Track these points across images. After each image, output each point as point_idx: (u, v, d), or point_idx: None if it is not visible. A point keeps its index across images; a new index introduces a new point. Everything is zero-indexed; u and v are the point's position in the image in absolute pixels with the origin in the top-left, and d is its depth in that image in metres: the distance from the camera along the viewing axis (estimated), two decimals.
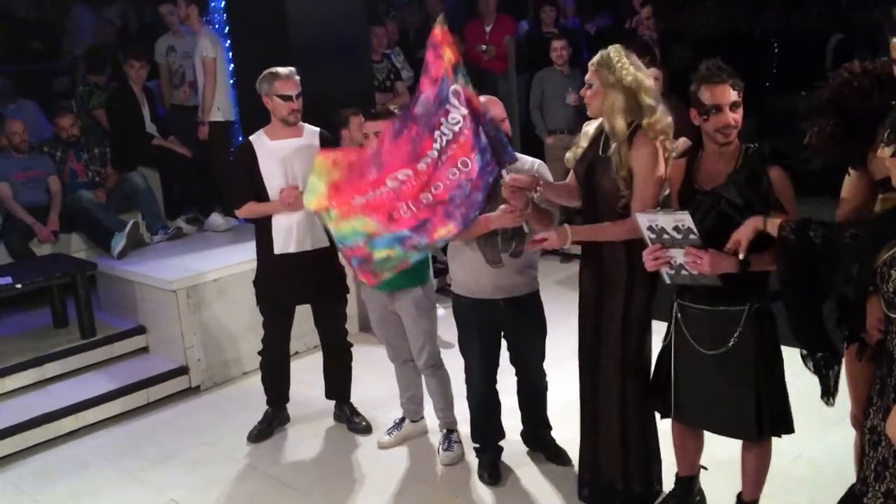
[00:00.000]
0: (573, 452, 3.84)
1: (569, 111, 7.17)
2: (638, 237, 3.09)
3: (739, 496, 3.34)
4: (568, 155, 3.48)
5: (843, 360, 2.81)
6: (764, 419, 3.08)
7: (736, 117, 2.99)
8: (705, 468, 3.48)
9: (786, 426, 3.15)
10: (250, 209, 4.38)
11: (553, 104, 7.34)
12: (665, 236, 2.97)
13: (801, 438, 3.60)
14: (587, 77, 3.26)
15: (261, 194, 4.31)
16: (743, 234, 2.81)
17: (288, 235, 4.32)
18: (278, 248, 4.34)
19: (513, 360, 3.98)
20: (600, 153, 3.29)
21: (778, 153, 2.99)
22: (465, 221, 3.33)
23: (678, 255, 2.98)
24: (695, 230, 2.89)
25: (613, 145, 3.21)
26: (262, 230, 4.39)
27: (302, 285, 4.41)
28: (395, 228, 3.36)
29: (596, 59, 3.24)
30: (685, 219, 2.88)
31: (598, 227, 3.29)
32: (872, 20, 5.82)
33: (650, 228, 2.99)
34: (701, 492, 3.52)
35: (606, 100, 3.20)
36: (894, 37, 2.56)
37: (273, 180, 4.29)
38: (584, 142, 3.43)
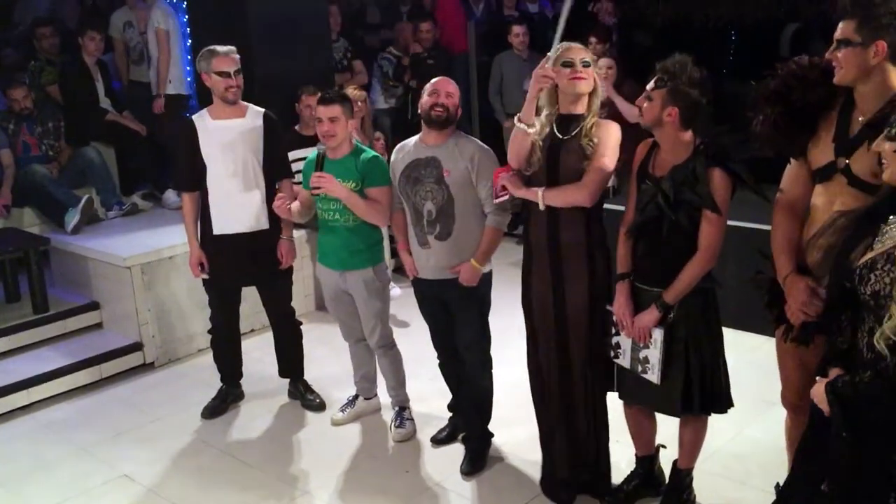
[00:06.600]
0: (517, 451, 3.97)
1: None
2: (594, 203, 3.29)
3: (675, 463, 3.46)
4: (533, 135, 3.43)
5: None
6: (692, 398, 3.18)
7: (644, 106, 3.08)
8: (664, 447, 3.56)
9: (718, 406, 3.24)
10: (184, 211, 4.43)
11: (512, 88, 7.32)
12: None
13: (742, 416, 3.72)
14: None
15: (203, 175, 4.32)
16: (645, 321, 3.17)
17: (227, 216, 4.33)
18: (217, 228, 4.36)
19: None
20: (559, 136, 3.34)
21: (721, 155, 3.03)
22: None
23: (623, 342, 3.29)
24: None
25: (582, 125, 3.30)
26: (202, 211, 4.40)
27: (241, 267, 4.42)
28: None
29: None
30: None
31: (565, 189, 3.32)
32: (828, 10, 5.93)
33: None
34: (661, 470, 3.60)
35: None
36: (842, 20, 2.64)
37: (213, 162, 4.30)
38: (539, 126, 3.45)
